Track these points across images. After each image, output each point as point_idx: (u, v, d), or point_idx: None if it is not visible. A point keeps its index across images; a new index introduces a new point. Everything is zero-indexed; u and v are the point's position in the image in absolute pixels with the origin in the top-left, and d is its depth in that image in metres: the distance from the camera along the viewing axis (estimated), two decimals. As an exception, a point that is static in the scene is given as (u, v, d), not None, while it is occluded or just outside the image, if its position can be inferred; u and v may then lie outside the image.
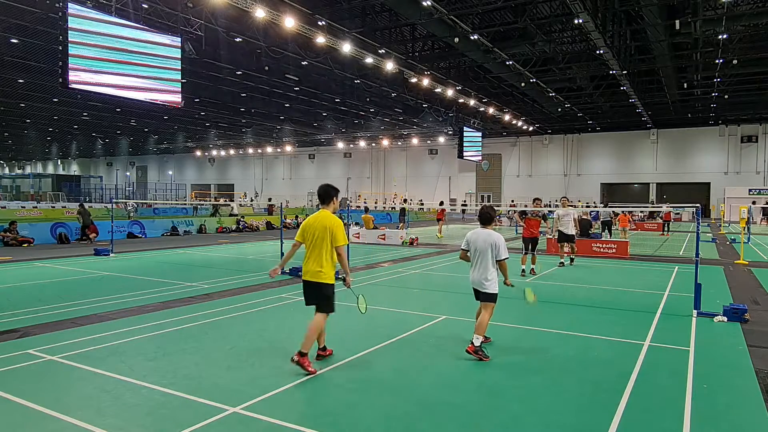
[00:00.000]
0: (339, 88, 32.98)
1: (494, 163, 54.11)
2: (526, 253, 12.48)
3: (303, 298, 5.58)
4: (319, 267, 5.35)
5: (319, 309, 5.43)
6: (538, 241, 12.78)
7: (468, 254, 6.17)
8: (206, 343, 6.40)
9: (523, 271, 12.30)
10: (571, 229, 13.62)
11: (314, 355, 5.68)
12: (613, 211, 22.84)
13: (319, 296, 5.41)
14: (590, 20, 18.58)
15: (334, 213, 5.56)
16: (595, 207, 33.79)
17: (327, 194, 5.56)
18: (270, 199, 45.60)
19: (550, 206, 36.89)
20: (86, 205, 24.14)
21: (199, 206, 41.32)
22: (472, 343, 5.81)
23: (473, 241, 6.10)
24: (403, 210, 26.44)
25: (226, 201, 48.42)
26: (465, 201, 54.11)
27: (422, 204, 49.99)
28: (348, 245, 5.65)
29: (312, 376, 5.22)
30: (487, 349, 5.92)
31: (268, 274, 5.65)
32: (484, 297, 6.02)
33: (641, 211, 33.82)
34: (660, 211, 31.35)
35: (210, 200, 49.94)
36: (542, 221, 13.23)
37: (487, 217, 6.17)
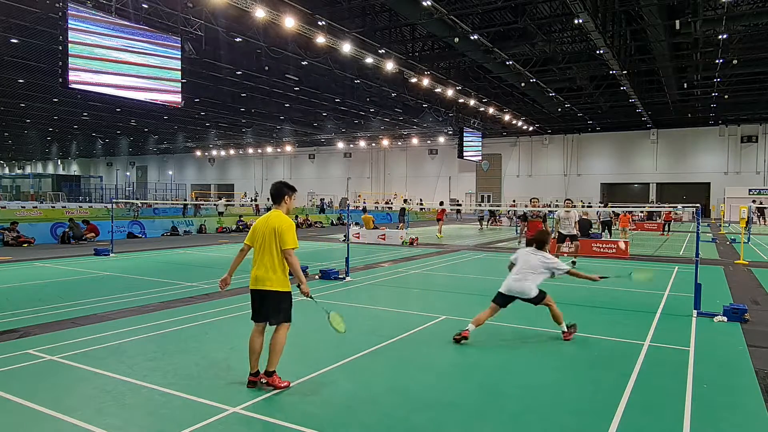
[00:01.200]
0: (339, 88, 32.99)
1: (494, 163, 54.11)
2: None
3: (251, 311, 5.01)
4: (268, 273, 4.79)
5: (276, 321, 4.86)
6: None
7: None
8: (206, 343, 6.40)
9: None
10: (572, 231, 13.47)
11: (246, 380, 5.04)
12: (612, 211, 22.83)
13: (272, 306, 4.82)
14: (590, 20, 18.58)
15: (287, 213, 5.00)
16: (591, 207, 33.83)
17: (279, 192, 4.96)
18: (255, 198, 45.47)
19: (550, 206, 36.88)
20: (86, 205, 24.14)
21: (187, 206, 41.18)
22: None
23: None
24: (403, 210, 26.43)
25: (203, 201, 48.30)
26: (460, 201, 54.04)
27: (421, 204, 49.90)
28: (297, 249, 4.93)
29: (313, 376, 5.22)
30: (486, 348, 5.91)
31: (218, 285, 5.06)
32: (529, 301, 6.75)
33: (641, 211, 33.80)
34: (659, 212, 31.37)
35: (199, 200, 49.84)
36: (542, 222, 13.20)
37: (541, 243, 6.84)
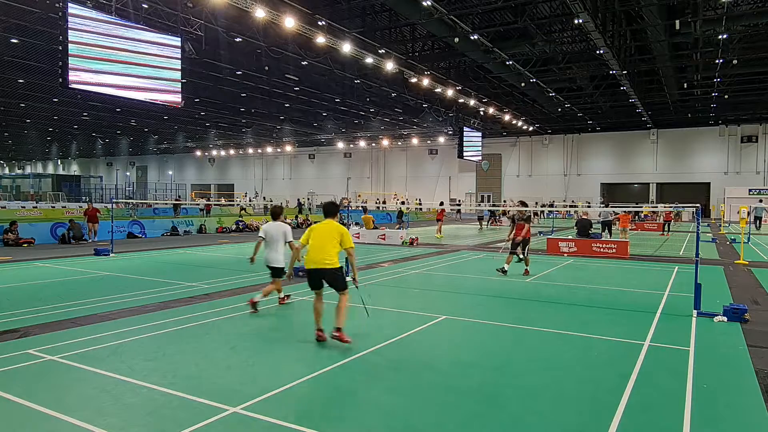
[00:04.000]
0: (339, 88, 32.98)
1: (494, 163, 54.11)
2: (512, 253, 12.52)
3: (310, 286, 6.51)
4: (331, 257, 6.32)
5: (339, 289, 6.42)
6: (528, 241, 12.60)
7: None
8: (206, 343, 6.40)
9: (505, 270, 12.27)
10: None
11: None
12: (613, 211, 22.81)
13: (337, 279, 6.40)
14: (590, 20, 18.58)
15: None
16: (591, 206, 33.78)
17: (335, 209, 6.80)
18: (247, 196, 44.94)
19: (552, 206, 36.93)
20: (86, 206, 24.11)
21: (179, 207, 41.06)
22: None
23: None
24: (400, 212, 26.40)
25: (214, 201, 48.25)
26: (460, 201, 53.99)
27: (419, 204, 49.80)
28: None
29: (314, 375, 5.22)
30: (486, 348, 5.90)
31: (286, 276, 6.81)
32: None
33: (651, 211, 33.78)
34: (657, 212, 31.33)
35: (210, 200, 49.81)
36: (527, 224, 13.04)
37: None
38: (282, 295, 8.71)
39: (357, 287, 6.58)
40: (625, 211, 21.99)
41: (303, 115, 43.47)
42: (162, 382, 5.03)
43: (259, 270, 12.65)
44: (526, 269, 12.43)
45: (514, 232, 12.60)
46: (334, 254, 6.33)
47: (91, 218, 20.53)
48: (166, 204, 45.51)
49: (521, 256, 12.48)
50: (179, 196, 64.36)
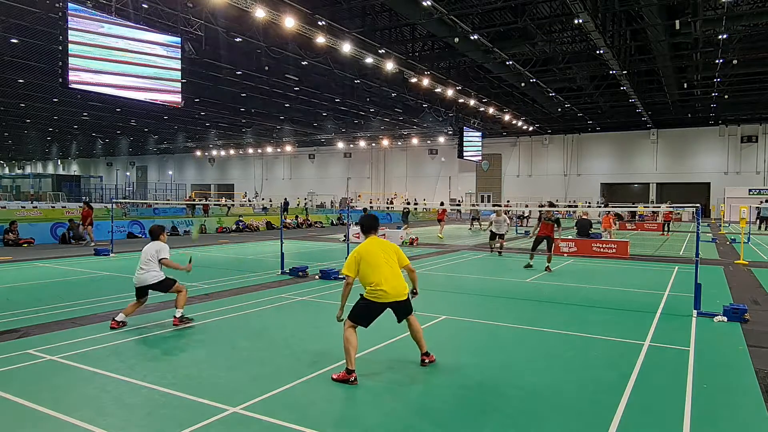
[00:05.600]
0: (339, 88, 32.98)
1: (494, 163, 54.12)
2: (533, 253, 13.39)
3: (371, 318, 5.40)
4: (404, 284, 5.50)
5: (410, 313, 5.60)
6: (552, 240, 13.35)
7: None
8: (206, 343, 6.40)
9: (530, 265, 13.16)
10: (501, 231, 16.72)
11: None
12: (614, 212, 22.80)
13: (410, 305, 5.57)
14: (590, 20, 18.58)
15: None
16: (590, 206, 33.72)
17: (376, 225, 5.80)
18: (247, 196, 44.74)
19: (553, 205, 36.80)
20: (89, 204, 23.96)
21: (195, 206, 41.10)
22: None
23: None
24: (406, 212, 26.42)
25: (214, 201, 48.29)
26: (460, 201, 53.96)
27: (417, 204, 49.73)
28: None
29: (314, 375, 5.22)
30: (486, 348, 5.90)
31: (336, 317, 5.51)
32: None
33: (635, 211, 33.76)
34: (655, 212, 31.30)
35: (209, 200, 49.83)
36: (556, 224, 13.54)
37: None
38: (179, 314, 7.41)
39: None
40: (608, 212, 21.93)
41: (303, 115, 43.48)
42: (162, 382, 5.03)
43: (259, 270, 12.68)
44: (548, 266, 12.97)
45: (538, 230, 13.14)
46: (401, 277, 5.50)
47: (85, 216, 19.38)
48: (167, 204, 45.53)
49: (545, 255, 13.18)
50: (191, 196, 64.04)
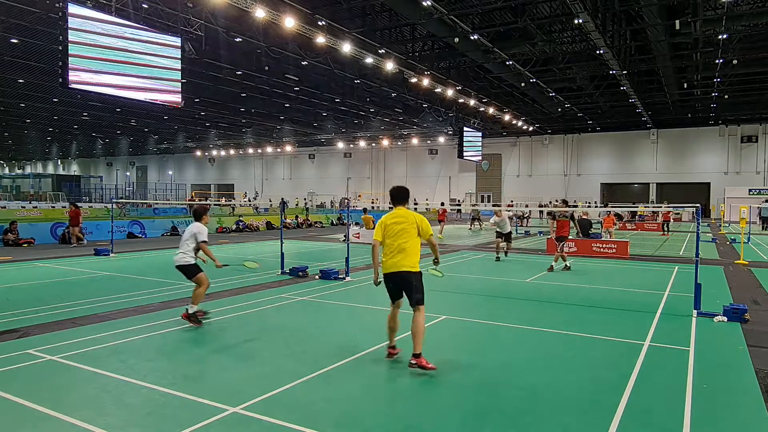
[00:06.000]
0: (339, 88, 32.98)
1: (494, 163, 54.13)
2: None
3: (390, 292, 5.61)
4: (408, 257, 5.43)
5: (415, 302, 5.47)
6: (565, 238, 13.46)
7: None
8: (206, 343, 6.40)
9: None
10: (506, 229, 15.56)
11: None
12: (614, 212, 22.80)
13: (415, 287, 5.44)
14: (590, 20, 18.58)
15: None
16: (590, 206, 33.70)
17: (407, 195, 5.81)
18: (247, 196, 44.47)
19: (549, 206, 36.85)
20: (86, 206, 23.99)
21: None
22: None
23: None
24: None
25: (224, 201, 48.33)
26: (460, 201, 53.90)
27: (417, 203, 49.66)
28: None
29: (314, 375, 5.22)
30: (486, 348, 5.90)
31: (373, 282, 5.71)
32: None
33: (631, 211, 33.77)
34: (654, 212, 31.29)
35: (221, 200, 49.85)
36: (571, 220, 13.88)
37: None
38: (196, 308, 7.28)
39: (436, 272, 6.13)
40: (609, 213, 21.95)
41: (303, 115, 43.48)
42: (162, 382, 5.03)
43: (259, 270, 12.66)
44: (567, 265, 13.16)
45: (556, 229, 13.25)
46: (413, 252, 5.42)
47: (73, 216, 18.71)
48: (167, 204, 45.52)
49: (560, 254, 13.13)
50: (191, 196, 63.85)
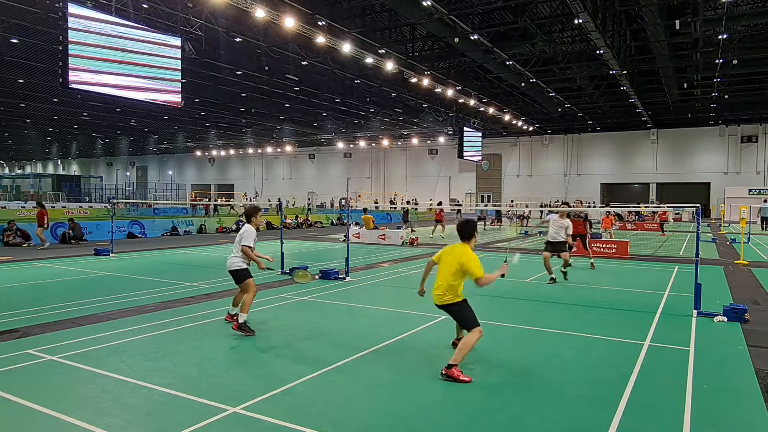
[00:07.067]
0: (339, 88, 32.98)
1: (494, 163, 54.12)
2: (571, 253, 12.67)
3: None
4: (444, 291, 5.58)
5: (464, 327, 5.75)
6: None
7: None
8: (206, 343, 6.40)
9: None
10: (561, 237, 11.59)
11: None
12: (614, 212, 22.81)
13: (457, 313, 5.67)
14: (590, 20, 18.58)
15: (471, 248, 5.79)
16: (590, 206, 33.70)
17: (470, 228, 5.89)
18: (247, 196, 44.55)
19: (549, 206, 36.92)
20: (86, 205, 23.97)
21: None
22: None
23: None
24: (406, 212, 26.39)
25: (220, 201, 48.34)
26: (460, 201, 53.83)
27: (418, 203, 49.57)
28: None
29: (314, 375, 5.22)
30: (486, 349, 5.91)
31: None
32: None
33: (631, 211, 33.77)
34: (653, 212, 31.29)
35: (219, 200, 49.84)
36: (585, 221, 13.85)
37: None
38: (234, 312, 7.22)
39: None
40: (608, 213, 21.91)
41: (303, 115, 43.49)
42: (162, 382, 5.03)
43: (259, 270, 12.65)
44: (591, 263, 13.41)
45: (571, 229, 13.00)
46: (448, 288, 5.54)
47: (39, 221, 17.63)
48: (167, 204, 45.53)
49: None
50: (210, 197, 63.57)
